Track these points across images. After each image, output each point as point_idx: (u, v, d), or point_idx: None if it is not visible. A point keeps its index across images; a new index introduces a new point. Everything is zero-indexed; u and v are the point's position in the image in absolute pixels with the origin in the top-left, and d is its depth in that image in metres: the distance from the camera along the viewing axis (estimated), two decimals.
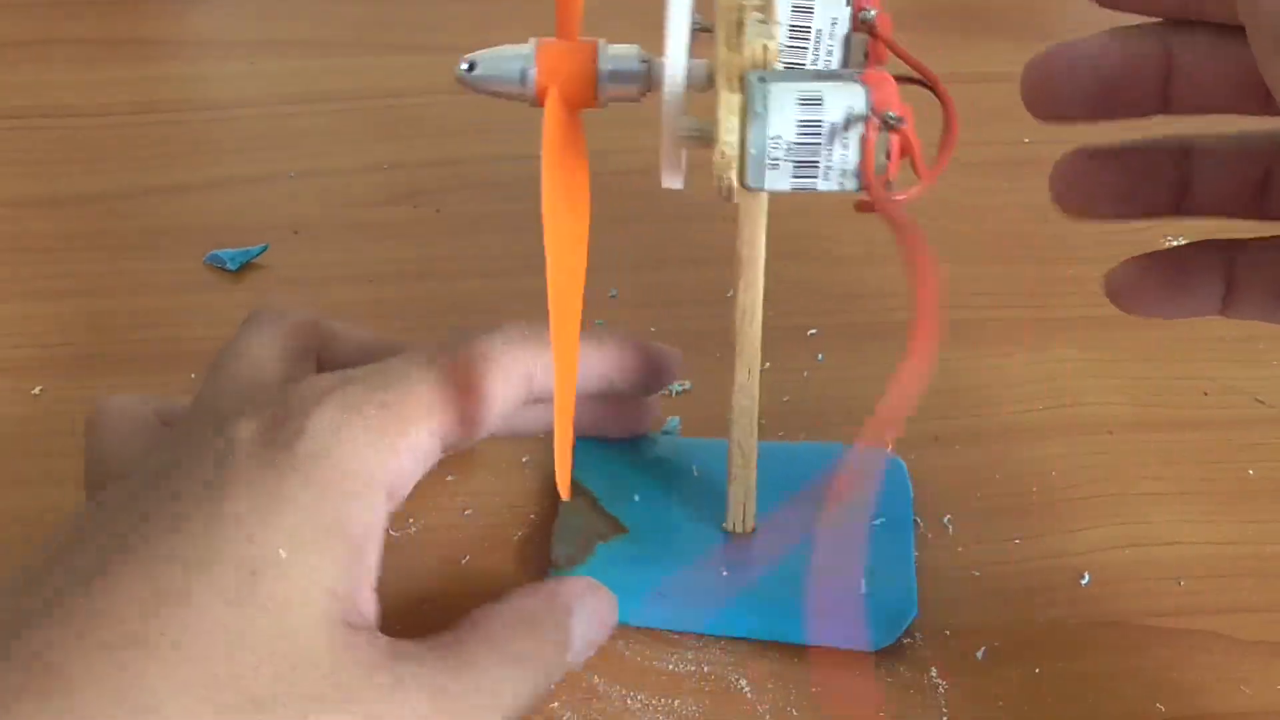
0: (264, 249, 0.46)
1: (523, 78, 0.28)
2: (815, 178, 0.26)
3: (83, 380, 0.41)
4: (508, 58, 0.28)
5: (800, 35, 0.29)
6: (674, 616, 0.33)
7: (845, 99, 0.25)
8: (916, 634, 0.33)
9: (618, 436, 0.37)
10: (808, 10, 0.29)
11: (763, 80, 0.26)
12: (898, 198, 0.25)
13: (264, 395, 0.29)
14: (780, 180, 0.26)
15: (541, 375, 0.31)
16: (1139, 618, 0.34)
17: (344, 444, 0.27)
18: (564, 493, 0.29)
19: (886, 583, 0.33)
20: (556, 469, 0.29)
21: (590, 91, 0.28)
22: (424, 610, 0.34)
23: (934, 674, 0.32)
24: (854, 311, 0.44)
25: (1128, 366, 0.42)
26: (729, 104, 0.26)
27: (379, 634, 0.27)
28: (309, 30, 0.61)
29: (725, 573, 0.33)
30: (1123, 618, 0.34)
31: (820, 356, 0.42)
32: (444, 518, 0.36)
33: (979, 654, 0.33)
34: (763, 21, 0.27)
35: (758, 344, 0.31)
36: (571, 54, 0.28)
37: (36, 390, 0.41)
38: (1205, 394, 0.41)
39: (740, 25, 0.27)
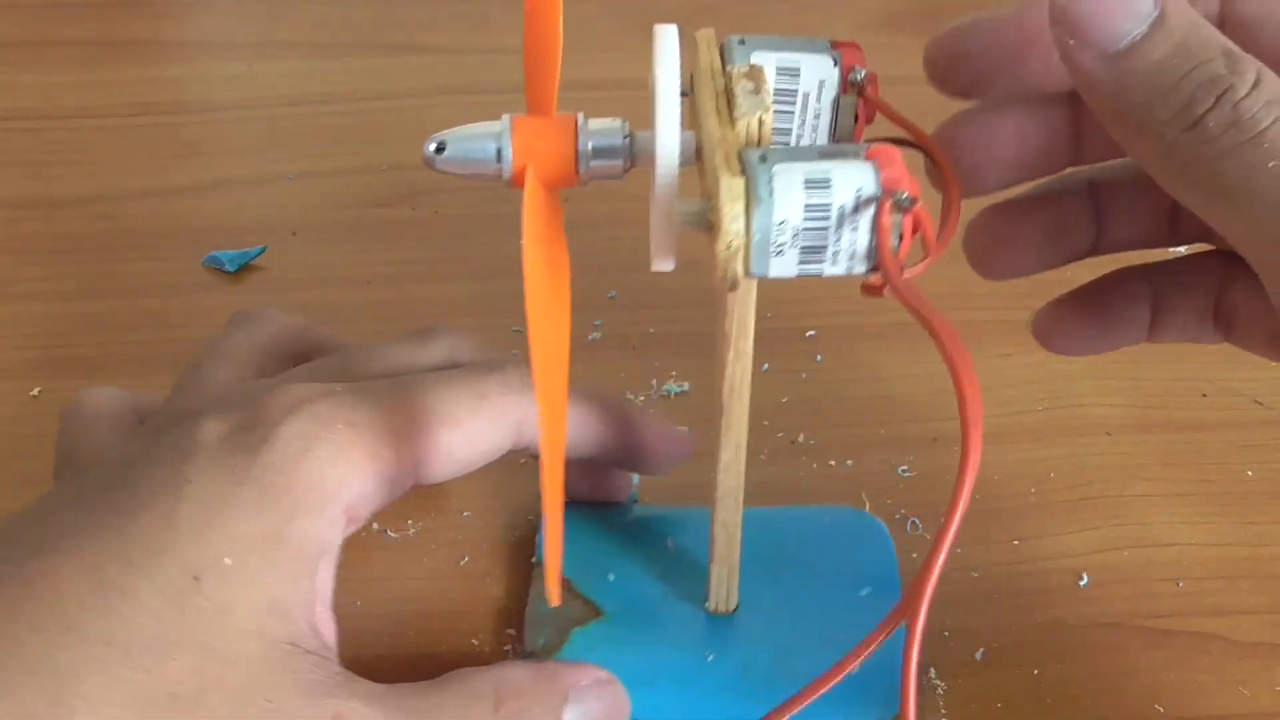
0: (262, 250, 0.46)
1: (499, 157, 0.26)
2: (823, 263, 0.24)
3: (82, 381, 0.41)
4: (479, 136, 0.26)
5: (786, 100, 0.27)
6: (662, 706, 0.31)
7: (854, 179, 0.23)
8: None
9: (586, 499, 0.35)
10: (793, 73, 0.27)
11: (764, 160, 0.23)
12: (907, 276, 0.24)
13: (237, 395, 0.29)
14: (785, 267, 0.24)
15: (531, 426, 0.30)
16: (1138, 619, 0.34)
17: (307, 458, 0.27)
18: (554, 599, 0.26)
19: (879, 656, 0.29)
20: (547, 572, 0.25)
21: (571, 169, 0.26)
22: (422, 612, 0.34)
23: (933, 675, 0.32)
24: (853, 312, 0.44)
25: (1126, 368, 0.42)
26: (731, 189, 0.23)
27: (333, 661, 0.26)
28: (308, 32, 0.61)
29: (711, 657, 0.31)
30: (1121, 619, 0.34)
31: (819, 357, 0.42)
32: (442, 519, 0.36)
33: (978, 655, 0.33)
34: (754, 92, 0.25)
35: (745, 421, 0.29)
36: (549, 130, 0.26)
37: (35, 391, 0.41)
38: (1204, 395, 0.41)
39: (729, 95, 0.25)
